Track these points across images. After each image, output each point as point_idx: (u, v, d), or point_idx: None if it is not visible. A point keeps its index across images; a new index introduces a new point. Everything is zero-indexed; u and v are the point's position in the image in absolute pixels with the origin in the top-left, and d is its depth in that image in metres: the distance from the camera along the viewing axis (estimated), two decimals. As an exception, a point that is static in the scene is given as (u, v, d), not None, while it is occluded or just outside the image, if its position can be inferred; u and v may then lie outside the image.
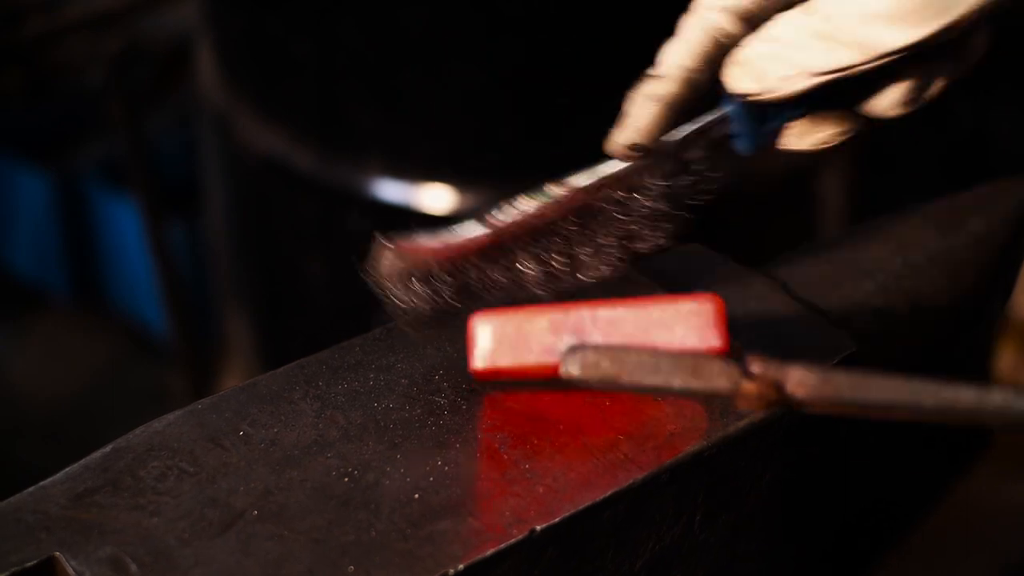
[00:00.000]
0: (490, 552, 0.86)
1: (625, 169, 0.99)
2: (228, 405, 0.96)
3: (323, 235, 2.04)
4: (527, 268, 0.99)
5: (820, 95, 0.96)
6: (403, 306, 0.97)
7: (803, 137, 0.99)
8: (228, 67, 2.08)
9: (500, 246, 0.98)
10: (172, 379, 2.70)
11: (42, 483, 0.90)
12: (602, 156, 1.00)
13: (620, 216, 0.99)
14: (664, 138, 0.98)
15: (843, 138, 0.99)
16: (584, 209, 0.99)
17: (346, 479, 0.91)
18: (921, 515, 1.52)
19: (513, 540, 0.87)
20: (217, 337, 2.57)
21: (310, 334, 2.12)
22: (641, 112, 0.96)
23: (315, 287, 2.10)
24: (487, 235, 0.98)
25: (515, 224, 0.98)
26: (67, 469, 0.91)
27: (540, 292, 0.99)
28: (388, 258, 0.96)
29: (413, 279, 0.96)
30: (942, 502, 1.58)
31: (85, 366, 2.88)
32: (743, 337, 1.02)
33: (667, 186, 0.98)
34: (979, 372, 1.56)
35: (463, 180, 1.87)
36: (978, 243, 1.18)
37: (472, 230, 0.98)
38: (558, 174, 1.11)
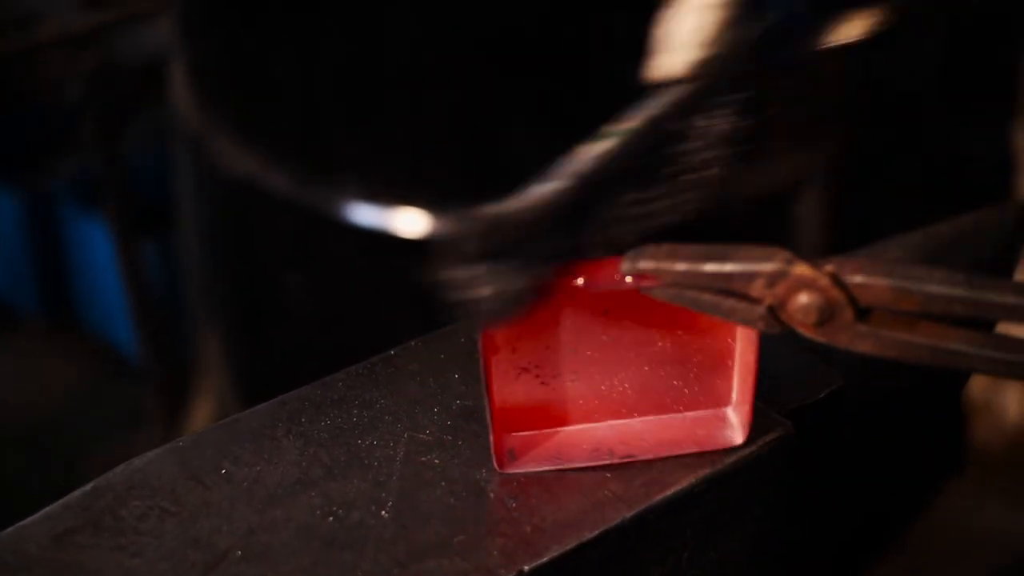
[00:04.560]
0: (477, 593, 0.85)
1: (690, 90, 0.88)
2: (209, 442, 0.94)
3: (298, 258, 2.02)
4: (615, 216, 0.87)
5: None
6: (487, 292, 0.85)
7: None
8: (203, 87, 2.07)
9: (583, 197, 0.86)
10: (145, 399, 2.68)
11: (20, 523, 0.89)
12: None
13: (691, 147, 0.89)
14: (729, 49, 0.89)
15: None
16: (657, 143, 0.88)
17: (330, 518, 0.89)
18: (900, 534, 1.52)
19: (500, 581, 0.86)
20: (190, 357, 2.55)
21: (283, 356, 2.10)
22: (698, 24, 0.88)
23: (289, 309, 2.08)
24: (569, 188, 0.86)
25: (594, 171, 0.86)
26: (46, 509, 0.89)
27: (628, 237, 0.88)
28: (474, 235, 0.85)
29: (502, 254, 0.84)
30: (920, 521, 1.57)
31: (57, 385, 2.86)
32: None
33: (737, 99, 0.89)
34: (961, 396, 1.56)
35: (439, 204, 1.86)
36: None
37: (554, 186, 0.86)
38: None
